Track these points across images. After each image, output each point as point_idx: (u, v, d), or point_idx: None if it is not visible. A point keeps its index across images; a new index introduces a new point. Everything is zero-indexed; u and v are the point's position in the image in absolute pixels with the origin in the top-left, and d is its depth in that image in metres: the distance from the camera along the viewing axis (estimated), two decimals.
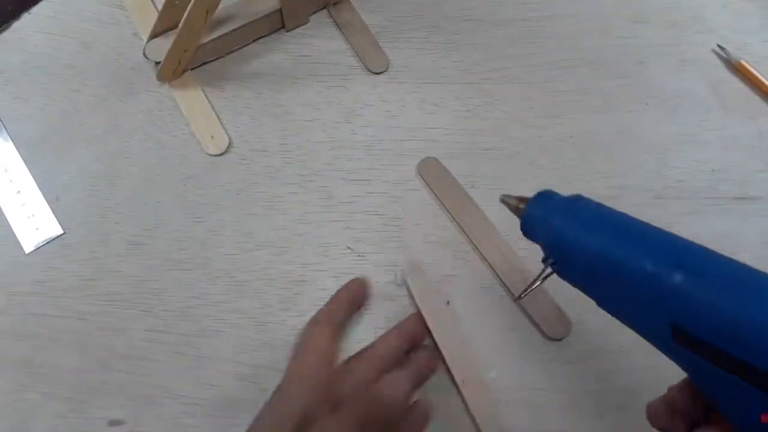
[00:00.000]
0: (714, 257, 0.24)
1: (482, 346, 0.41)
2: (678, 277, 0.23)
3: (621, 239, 0.26)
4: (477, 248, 0.44)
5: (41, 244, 0.43)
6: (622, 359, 0.41)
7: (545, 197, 0.31)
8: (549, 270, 0.30)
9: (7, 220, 0.44)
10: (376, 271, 0.43)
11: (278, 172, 0.46)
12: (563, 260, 0.29)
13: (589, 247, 0.27)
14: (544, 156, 0.47)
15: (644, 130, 0.48)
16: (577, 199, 0.30)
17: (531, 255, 0.41)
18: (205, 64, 0.49)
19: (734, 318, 0.20)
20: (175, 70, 0.47)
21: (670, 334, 0.23)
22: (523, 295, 0.34)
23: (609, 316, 0.28)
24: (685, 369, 0.23)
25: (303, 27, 0.51)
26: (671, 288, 0.23)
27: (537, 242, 0.32)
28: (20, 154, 0.46)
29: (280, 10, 0.48)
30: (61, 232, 0.44)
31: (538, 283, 0.32)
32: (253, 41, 0.50)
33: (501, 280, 0.43)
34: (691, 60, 0.50)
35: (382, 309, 0.42)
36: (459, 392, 0.39)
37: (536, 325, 0.41)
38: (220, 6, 0.43)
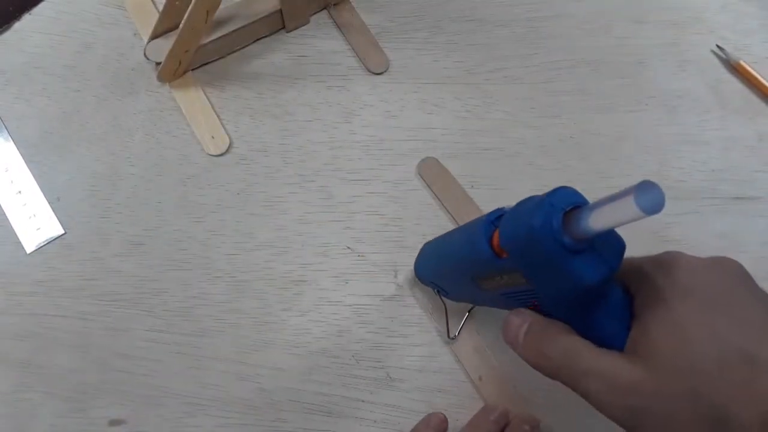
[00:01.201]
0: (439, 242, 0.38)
1: (483, 344, 0.41)
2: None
3: (439, 255, 0.38)
4: None
5: (42, 244, 0.43)
6: None
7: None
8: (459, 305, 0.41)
9: (8, 220, 0.44)
10: (376, 271, 0.43)
11: (278, 172, 0.46)
12: (441, 287, 0.39)
13: (430, 268, 0.40)
14: (544, 156, 0.47)
15: (644, 130, 0.48)
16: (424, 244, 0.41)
17: None
18: (205, 64, 0.49)
19: (474, 257, 0.31)
20: (175, 70, 0.47)
21: (473, 281, 0.33)
22: (457, 335, 0.41)
23: None
24: (493, 303, 0.34)
25: (303, 27, 0.51)
26: (457, 262, 0.34)
27: (428, 285, 0.41)
28: (21, 155, 0.46)
29: (281, 10, 0.48)
30: (62, 232, 0.44)
31: (467, 315, 0.41)
32: (254, 42, 0.50)
33: None
34: (690, 60, 0.51)
35: (382, 309, 0.42)
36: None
37: None
38: (221, 6, 0.43)
